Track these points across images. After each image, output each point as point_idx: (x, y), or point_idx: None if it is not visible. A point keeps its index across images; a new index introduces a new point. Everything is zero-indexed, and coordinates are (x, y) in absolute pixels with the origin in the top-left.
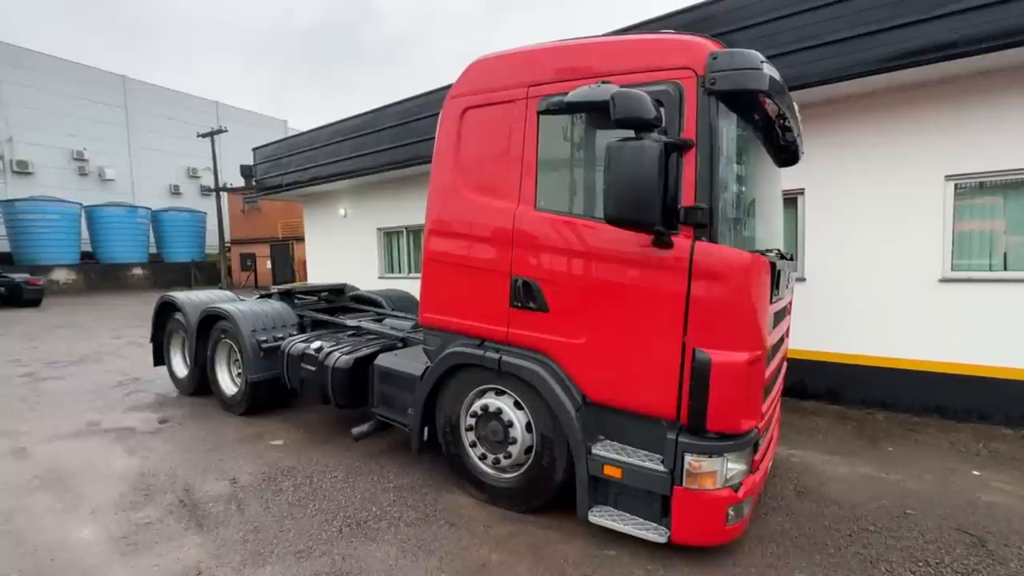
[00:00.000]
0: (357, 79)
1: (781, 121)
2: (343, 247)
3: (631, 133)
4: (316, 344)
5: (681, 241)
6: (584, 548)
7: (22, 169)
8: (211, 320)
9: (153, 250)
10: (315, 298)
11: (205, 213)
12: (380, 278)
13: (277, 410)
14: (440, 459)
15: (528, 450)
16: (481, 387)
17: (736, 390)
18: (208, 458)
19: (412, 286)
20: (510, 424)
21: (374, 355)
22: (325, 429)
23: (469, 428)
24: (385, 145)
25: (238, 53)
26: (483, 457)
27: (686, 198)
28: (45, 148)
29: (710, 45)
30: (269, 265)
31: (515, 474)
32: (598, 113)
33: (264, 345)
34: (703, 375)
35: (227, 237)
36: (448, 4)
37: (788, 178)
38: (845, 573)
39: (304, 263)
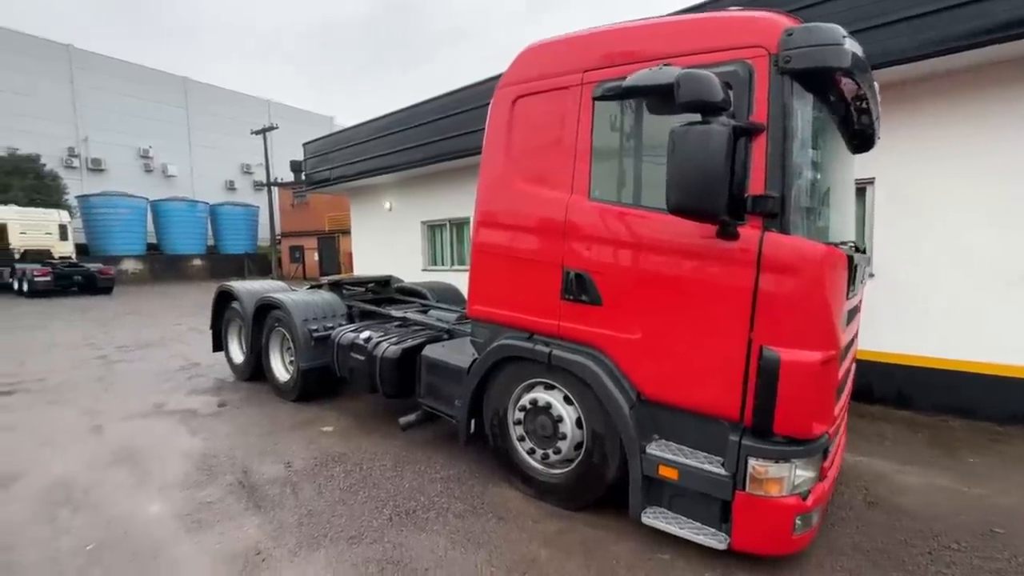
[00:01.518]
0: (399, 76)
1: (859, 103)
2: (388, 240)
3: (695, 117)
4: (365, 334)
5: (748, 232)
6: (636, 550)
7: (96, 166)
8: (266, 309)
9: (210, 242)
10: (362, 289)
11: (258, 207)
12: (424, 270)
13: (327, 397)
14: (486, 451)
15: (578, 446)
16: (530, 381)
17: (807, 392)
18: (264, 442)
19: (455, 278)
20: (560, 419)
21: (421, 346)
22: (372, 417)
23: (517, 422)
24: (429, 139)
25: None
26: (531, 452)
27: (755, 186)
28: (115, 146)
29: (784, 20)
30: (316, 257)
31: (564, 470)
32: (659, 97)
33: (315, 334)
34: (771, 375)
35: (278, 230)
36: (491, 3)
37: (857, 166)
38: None
39: (349, 255)
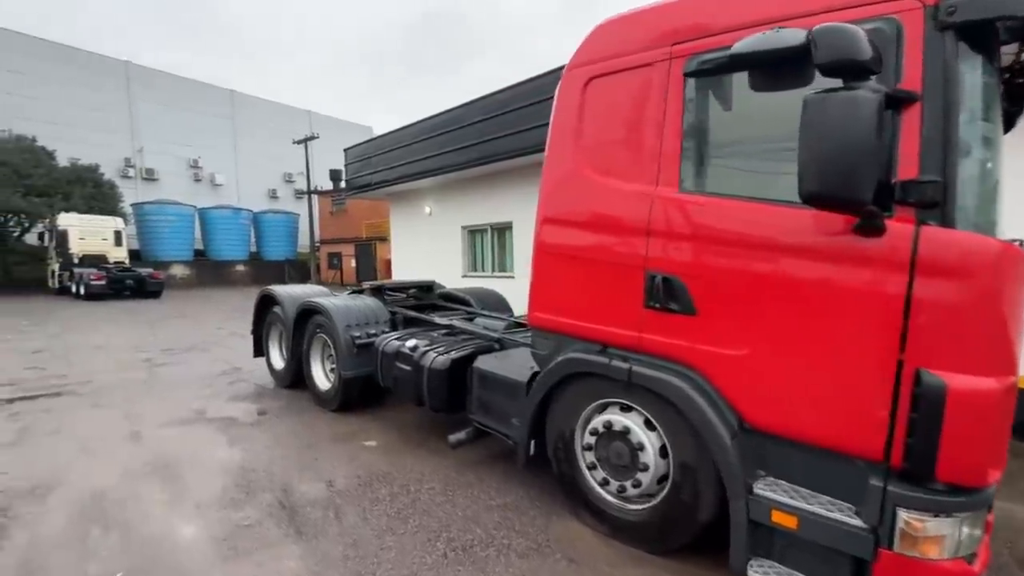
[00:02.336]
0: (437, 81)
1: (1013, 71)
2: (428, 245)
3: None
4: (411, 342)
5: (896, 226)
6: None
7: (150, 176)
8: (307, 314)
9: (253, 249)
10: (403, 295)
11: (298, 215)
12: (464, 276)
13: (369, 408)
14: (547, 475)
15: (661, 479)
16: (602, 400)
17: (982, 428)
18: (304, 456)
19: (496, 285)
20: (640, 447)
21: (472, 356)
22: (417, 432)
23: (588, 448)
24: (472, 141)
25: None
26: (604, 482)
27: (906, 169)
28: (168, 156)
29: None
30: (353, 264)
31: (644, 506)
32: (773, 67)
33: (358, 341)
34: (935, 405)
35: (317, 237)
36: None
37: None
38: None
39: (386, 262)
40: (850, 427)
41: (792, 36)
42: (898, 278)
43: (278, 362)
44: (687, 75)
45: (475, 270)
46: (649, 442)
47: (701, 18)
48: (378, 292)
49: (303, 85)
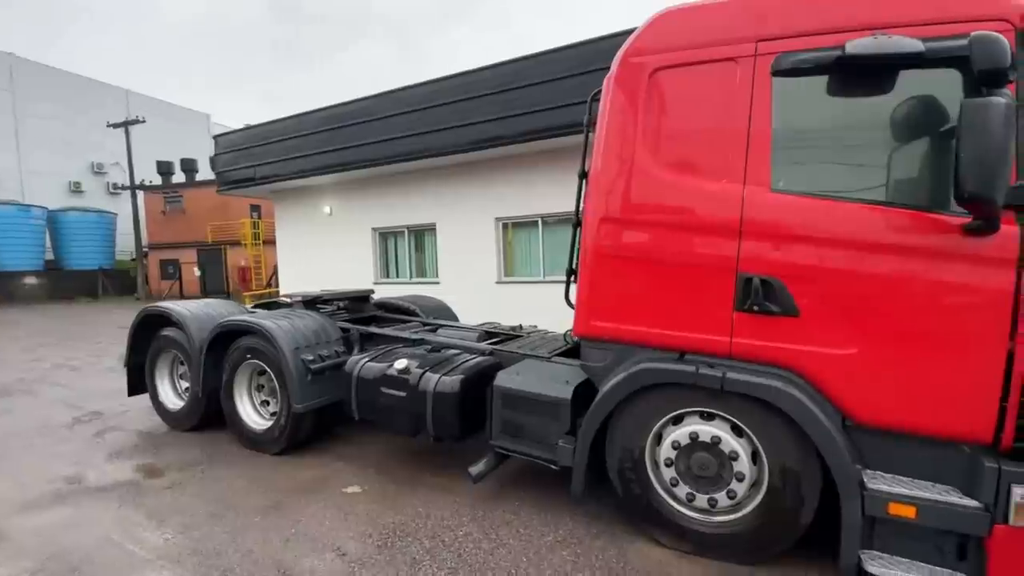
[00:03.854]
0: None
1: None
2: (327, 249)
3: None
4: (401, 363)
5: (1004, 227)
6: None
7: None
8: (229, 337)
9: (50, 256)
10: (332, 307)
11: (115, 214)
12: (376, 283)
13: (316, 445)
14: (589, 498)
15: (752, 486)
16: (680, 411)
17: None
18: (276, 521)
19: (411, 291)
20: (734, 456)
21: (482, 375)
22: (401, 468)
23: (668, 463)
24: (395, 134)
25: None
26: (690, 498)
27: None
28: None
29: None
30: (198, 273)
31: (732, 516)
32: (877, 73)
33: (313, 367)
34: None
35: (144, 242)
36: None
37: None
38: None
39: (242, 270)
40: (960, 415)
41: (910, 43)
42: (1007, 274)
43: (172, 400)
44: (776, 73)
45: (388, 276)
46: (743, 450)
47: (790, 17)
48: (311, 305)
49: (124, 64)
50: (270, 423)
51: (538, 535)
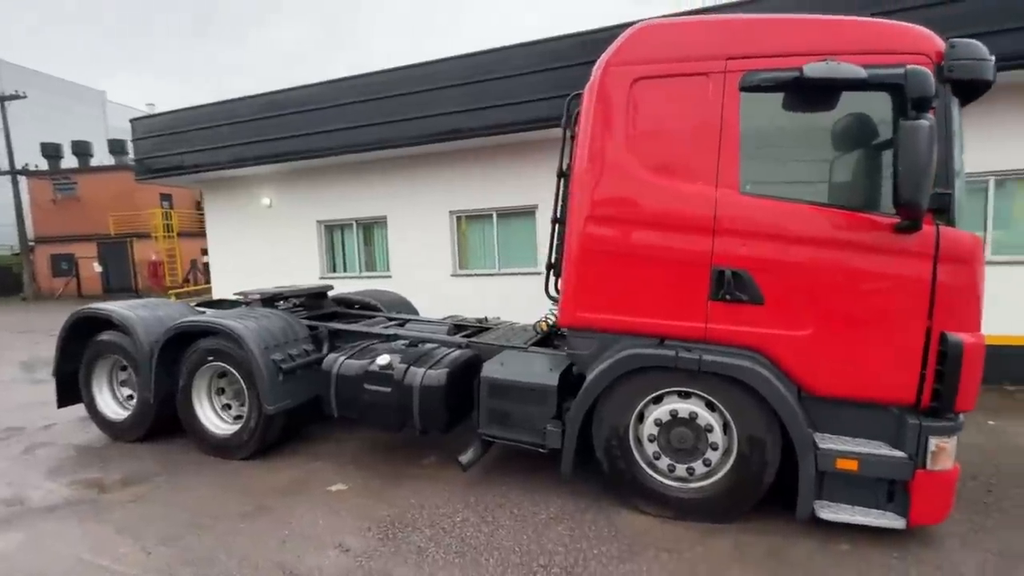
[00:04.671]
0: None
1: None
2: (267, 243)
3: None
4: (384, 359)
5: (925, 226)
6: (817, 548)
7: None
8: (186, 339)
9: None
10: (288, 305)
11: None
12: (322, 278)
13: (285, 446)
14: (573, 477)
15: (724, 454)
16: (660, 391)
17: (979, 369)
18: (264, 525)
19: (367, 286)
20: (709, 429)
21: (466, 367)
22: (385, 462)
23: (652, 438)
24: (345, 124)
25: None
26: (671, 468)
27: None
28: None
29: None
30: (99, 268)
31: (707, 482)
32: (827, 92)
33: (284, 366)
34: (956, 358)
35: (30, 235)
36: None
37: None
38: None
39: (151, 265)
40: (893, 382)
41: (856, 69)
42: (926, 265)
43: (114, 409)
44: (743, 88)
45: (335, 271)
46: (716, 423)
47: (755, 40)
48: (270, 303)
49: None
50: (236, 427)
51: (532, 514)
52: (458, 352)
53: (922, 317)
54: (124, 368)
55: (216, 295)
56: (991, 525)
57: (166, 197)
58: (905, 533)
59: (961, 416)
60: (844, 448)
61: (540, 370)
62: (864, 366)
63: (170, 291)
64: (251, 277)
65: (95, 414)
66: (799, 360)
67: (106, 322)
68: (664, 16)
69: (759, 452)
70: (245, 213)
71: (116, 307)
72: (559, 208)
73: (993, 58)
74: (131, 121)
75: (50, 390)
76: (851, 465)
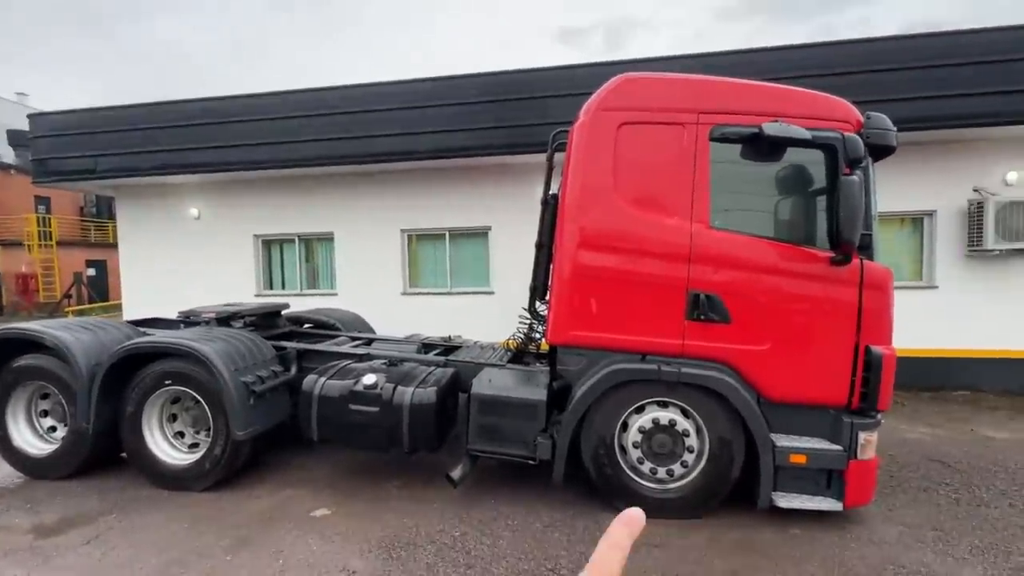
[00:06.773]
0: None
1: None
2: (192, 258)
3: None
4: (370, 379)
5: (854, 260)
6: (775, 535)
7: None
8: (138, 362)
9: None
10: (239, 324)
11: None
12: (257, 296)
13: (251, 472)
14: (543, 484)
15: (698, 456)
16: (642, 402)
17: (893, 375)
18: (253, 556)
19: (309, 304)
20: (686, 433)
21: (451, 385)
22: (355, 484)
23: (636, 445)
24: (292, 138)
25: None
26: (653, 472)
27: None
28: None
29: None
30: None
31: (682, 482)
32: (779, 147)
33: (256, 389)
34: (879, 366)
35: None
36: None
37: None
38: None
39: (19, 278)
40: (832, 387)
41: (803, 131)
42: (854, 291)
43: (33, 444)
44: (712, 139)
45: (273, 288)
46: (691, 428)
47: (722, 99)
48: (226, 323)
49: None
50: (193, 456)
51: (527, 524)
52: (442, 371)
53: (852, 333)
54: (45, 396)
55: (127, 315)
56: (899, 504)
57: (43, 200)
58: (841, 514)
59: (880, 414)
60: (795, 445)
61: (528, 386)
62: (810, 374)
63: (67, 310)
64: (174, 295)
65: (9, 450)
66: (759, 371)
67: (31, 344)
68: (592, 62)
69: (727, 451)
70: (169, 224)
71: (43, 327)
72: (542, 233)
73: (895, 129)
74: (29, 116)
75: None
76: (801, 459)
